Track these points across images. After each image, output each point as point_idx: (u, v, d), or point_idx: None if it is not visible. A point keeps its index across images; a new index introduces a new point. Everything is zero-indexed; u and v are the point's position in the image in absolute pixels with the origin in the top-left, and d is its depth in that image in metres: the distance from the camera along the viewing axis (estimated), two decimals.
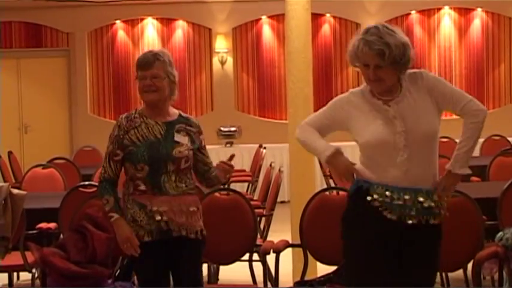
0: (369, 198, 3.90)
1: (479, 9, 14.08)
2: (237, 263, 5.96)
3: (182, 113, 4.69)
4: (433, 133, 3.92)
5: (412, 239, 3.91)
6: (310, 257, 5.62)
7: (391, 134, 3.87)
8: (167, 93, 4.59)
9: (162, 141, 4.51)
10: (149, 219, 4.49)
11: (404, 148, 3.85)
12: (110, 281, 5.57)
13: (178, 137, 4.54)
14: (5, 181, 9.83)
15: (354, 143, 4.08)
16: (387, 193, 3.87)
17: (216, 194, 5.93)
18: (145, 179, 4.50)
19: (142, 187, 4.51)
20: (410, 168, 3.86)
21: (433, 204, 3.91)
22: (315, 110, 4.38)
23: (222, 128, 13.13)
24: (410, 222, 3.87)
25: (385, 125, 3.89)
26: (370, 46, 3.85)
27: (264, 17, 14.22)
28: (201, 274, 4.69)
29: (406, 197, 3.87)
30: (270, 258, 5.62)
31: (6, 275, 6.63)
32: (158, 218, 4.46)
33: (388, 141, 3.86)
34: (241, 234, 5.81)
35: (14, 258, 6.15)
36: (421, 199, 3.88)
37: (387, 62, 3.85)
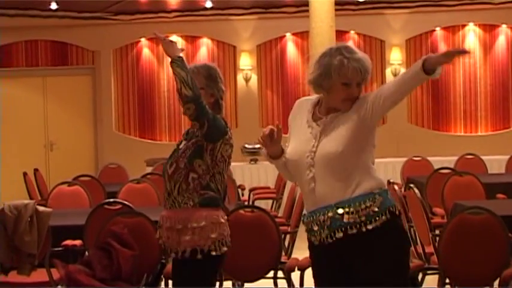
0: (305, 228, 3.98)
1: (504, 26, 14.03)
2: (262, 280, 5.94)
3: None
4: (335, 154, 3.80)
5: (351, 255, 3.83)
6: None
7: (304, 152, 3.86)
8: None
9: (175, 153, 4.57)
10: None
11: (310, 167, 3.84)
12: None
13: (182, 144, 4.56)
14: (31, 198, 9.88)
15: None
16: (308, 221, 3.90)
17: (241, 211, 5.94)
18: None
19: None
20: (315, 188, 3.84)
21: (346, 215, 3.77)
22: None
23: (246, 145, 13.12)
24: (330, 241, 3.82)
25: (304, 142, 3.89)
26: (354, 63, 3.86)
27: (288, 34, 14.24)
28: None
29: (320, 218, 3.83)
30: (295, 276, 5.61)
31: None
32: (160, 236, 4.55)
33: (298, 160, 3.88)
34: (265, 251, 5.81)
35: (39, 275, 6.17)
36: (329, 215, 3.80)
37: (365, 79, 3.90)
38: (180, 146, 4.54)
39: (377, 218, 3.79)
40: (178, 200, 4.46)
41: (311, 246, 3.96)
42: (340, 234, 3.79)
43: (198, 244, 4.42)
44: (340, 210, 3.78)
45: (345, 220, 3.78)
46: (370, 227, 3.78)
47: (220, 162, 4.52)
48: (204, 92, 4.52)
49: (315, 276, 4.00)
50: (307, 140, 3.88)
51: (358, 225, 3.77)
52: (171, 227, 4.46)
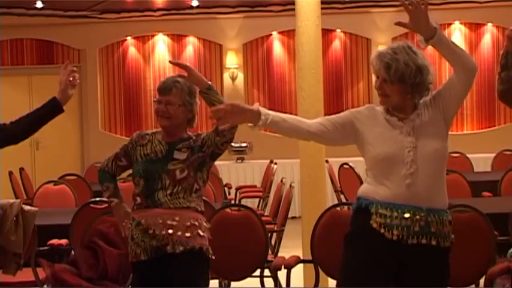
0: (370, 218, 3.85)
1: (489, 24, 14.07)
2: (248, 279, 5.94)
3: (193, 134, 4.62)
4: (441, 154, 3.89)
5: (412, 261, 3.83)
6: (321, 273, 5.61)
7: (401, 149, 3.83)
8: (181, 121, 4.58)
9: (162, 158, 4.52)
10: (144, 235, 4.47)
11: (411, 162, 3.81)
12: None
13: (177, 154, 4.51)
14: (16, 197, 9.85)
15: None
16: (386, 212, 3.82)
17: (227, 210, 5.94)
18: (141, 193, 4.53)
19: (138, 200, 4.54)
20: (414, 183, 3.80)
21: (432, 224, 3.82)
22: None
23: (233, 144, 13.12)
24: (410, 242, 3.80)
25: (396, 139, 3.86)
26: (381, 58, 3.88)
27: (274, 33, 14.25)
28: None
29: (406, 215, 3.79)
30: (281, 274, 5.61)
31: None
32: (150, 231, 4.44)
33: (397, 155, 3.83)
34: (252, 250, 5.81)
35: (25, 274, 6.14)
36: (418, 217, 3.80)
37: (393, 78, 3.84)
38: (177, 156, 4.50)
39: (450, 239, 3.92)
40: (186, 203, 4.47)
41: (372, 240, 3.84)
42: (424, 241, 3.81)
43: (203, 243, 4.47)
44: (431, 218, 3.82)
45: (432, 229, 3.82)
46: (447, 244, 3.90)
47: (208, 177, 4.65)
48: (184, 108, 4.54)
49: (358, 262, 3.89)
50: (398, 137, 3.86)
51: (439, 239, 3.85)
52: (178, 225, 4.42)
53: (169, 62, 4.79)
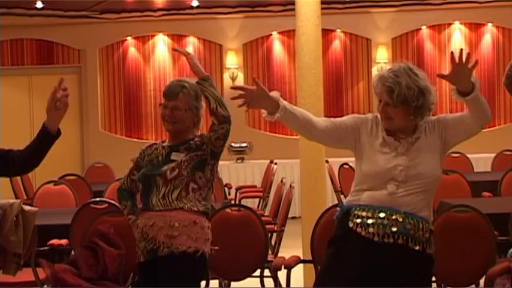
0: (349, 222, 3.91)
1: (489, 24, 14.06)
2: (248, 279, 5.94)
3: (199, 135, 4.60)
4: (431, 176, 3.93)
5: (391, 262, 3.85)
6: None
7: (393, 168, 3.88)
8: (188, 125, 4.57)
9: (161, 161, 4.54)
10: (140, 237, 4.52)
11: (400, 181, 3.87)
12: None
13: (174, 156, 4.51)
14: (16, 198, 9.85)
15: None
16: (363, 213, 3.88)
17: (227, 210, 5.94)
18: (140, 198, 4.58)
19: (141, 205, 4.59)
20: (395, 192, 3.87)
21: (409, 225, 3.86)
22: None
23: (233, 144, 13.13)
24: (386, 241, 3.83)
25: (390, 160, 3.90)
26: (383, 82, 3.90)
27: (274, 33, 14.24)
28: None
29: (381, 214, 3.85)
30: (281, 274, 5.61)
31: None
32: (145, 235, 4.47)
33: (387, 174, 3.88)
34: (252, 250, 5.81)
35: (25, 274, 6.14)
36: (394, 217, 3.84)
37: (396, 101, 3.86)
38: (174, 157, 4.49)
39: (431, 246, 3.94)
40: (179, 205, 4.44)
41: (350, 241, 3.90)
42: (400, 241, 3.84)
43: (196, 246, 4.45)
44: (408, 221, 3.85)
45: (410, 232, 3.86)
46: (428, 251, 3.93)
47: (215, 177, 4.60)
48: (190, 113, 4.53)
49: (340, 263, 3.93)
50: (391, 157, 3.90)
51: (417, 243, 3.88)
52: (171, 227, 4.41)
53: (173, 49, 4.77)
